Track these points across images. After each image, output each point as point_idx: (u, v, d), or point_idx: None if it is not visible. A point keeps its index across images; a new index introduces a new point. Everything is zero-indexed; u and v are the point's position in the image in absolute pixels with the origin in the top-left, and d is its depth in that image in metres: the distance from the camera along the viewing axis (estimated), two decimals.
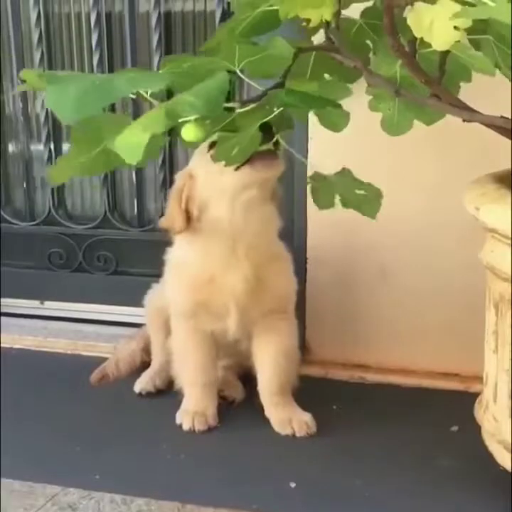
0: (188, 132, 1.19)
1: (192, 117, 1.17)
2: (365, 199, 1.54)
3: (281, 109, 1.34)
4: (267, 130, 1.47)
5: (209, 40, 1.43)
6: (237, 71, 1.26)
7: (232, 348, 1.98)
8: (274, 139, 1.57)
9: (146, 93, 1.20)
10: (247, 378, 2.02)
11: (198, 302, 1.85)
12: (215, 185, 1.74)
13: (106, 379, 2.14)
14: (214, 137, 1.64)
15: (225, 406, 1.96)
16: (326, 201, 1.56)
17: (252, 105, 1.30)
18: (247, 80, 1.28)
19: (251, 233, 1.77)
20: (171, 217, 1.80)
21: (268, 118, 1.35)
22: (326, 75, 1.49)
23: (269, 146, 1.59)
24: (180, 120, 1.17)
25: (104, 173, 1.35)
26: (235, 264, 1.79)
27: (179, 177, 1.83)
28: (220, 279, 1.81)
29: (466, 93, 1.41)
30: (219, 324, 1.88)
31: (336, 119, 1.47)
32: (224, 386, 2.00)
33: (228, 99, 1.21)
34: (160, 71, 1.32)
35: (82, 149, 1.30)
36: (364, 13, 1.45)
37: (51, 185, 1.30)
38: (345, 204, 1.53)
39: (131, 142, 1.13)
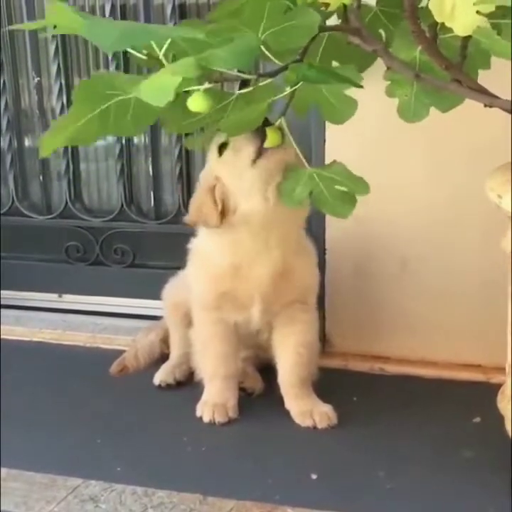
0: (195, 102, 1.17)
1: (200, 87, 1.15)
2: (341, 197, 1.48)
3: (294, 88, 1.33)
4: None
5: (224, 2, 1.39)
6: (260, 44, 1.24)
7: (252, 339, 1.97)
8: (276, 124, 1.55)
9: (160, 51, 1.18)
10: (266, 370, 2.01)
11: (223, 292, 1.85)
12: (240, 182, 1.74)
13: (125, 370, 2.14)
14: (223, 138, 1.68)
15: (244, 397, 1.96)
16: (294, 198, 1.53)
17: (267, 80, 1.28)
18: (266, 52, 1.25)
19: (283, 222, 1.77)
20: (204, 214, 1.78)
21: (280, 95, 1.33)
22: (334, 63, 1.47)
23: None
24: (187, 89, 1.16)
25: (96, 141, 1.31)
26: (265, 255, 1.79)
27: (206, 177, 1.81)
28: (247, 269, 1.80)
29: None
30: (242, 315, 1.88)
31: (341, 108, 1.45)
32: (243, 378, 2.00)
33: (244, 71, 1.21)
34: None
35: (83, 110, 1.27)
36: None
37: (43, 156, 1.28)
38: (316, 203, 1.50)
39: (160, 84, 1.10)
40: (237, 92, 1.34)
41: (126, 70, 2.33)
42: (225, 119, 1.37)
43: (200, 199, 1.80)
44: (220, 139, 1.72)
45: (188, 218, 1.84)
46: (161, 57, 1.18)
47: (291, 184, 1.53)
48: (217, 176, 1.78)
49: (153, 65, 1.25)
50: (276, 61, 1.27)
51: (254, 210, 1.74)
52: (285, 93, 1.32)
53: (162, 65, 1.19)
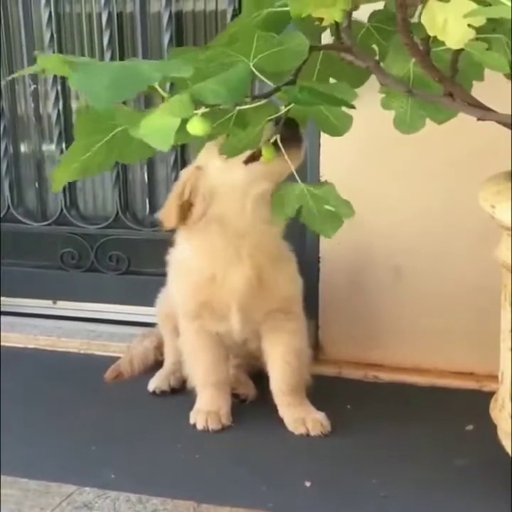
0: (194, 126, 1.17)
1: (198, 111, 1.16)
2: (329, 216, 1.48)
3: (289, 108, 1.34)
4: (291, 126, 1.49)
5: (219, 35, 1.39)
6: (251, 66, 1.25)
7: (241, 348, 1.98)
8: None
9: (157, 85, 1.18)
10: (259, 377, 2.01)
11: (201, 302, 1.85)
12: (225, 179, 1.72)
13: (120, 377, 2.15)
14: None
15: (238, 404, 1.97)
16: (285, 212, 1.52)
17: (262, 101, 1.29)
18: (259, 75, 1.26)
19: (257, 231, 1.76)
20: (166, 212, 1.78)
21: (275, 116, 1.34)
22: (331, 79, 1.48)
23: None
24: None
25: (104, 171, 1.34)
26: (237, 264, 1.78)
27: (185, 171, 1.81)
28: (222, 278, 1.80)
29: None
30: (223, 325, 1.87)
31: (338, 122, 1.45)
32: (236, 384, 2.00)
33: None
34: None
35: (85, 144, 1.28)
36: (372, 16, 1.43)
37: (55, 191, 1.30)
38: (305, 219, 1.49)
39: (161, 126, 1.10)
40: (235, 109, 1.34)
41: None
42: (225, 142, 1.39)
43: (170, 195, 1.80)
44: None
45: (158, 214, 1.84)
46: (156, 86, 1.18)
47: (282, 198, 1.52)
48: (200, 165, 1.75)
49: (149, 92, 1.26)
50: (270, 83, 1.28)
51: (227, 214, 1.73)
52: (281, 112, 1.34)
53: (159, 93, 1.20)
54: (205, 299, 1.84)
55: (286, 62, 1.27)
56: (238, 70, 1.18)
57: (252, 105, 1.26)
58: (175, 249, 1.91)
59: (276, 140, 1.47)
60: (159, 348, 2.21)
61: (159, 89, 1.16)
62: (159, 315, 2.17)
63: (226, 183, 1.72)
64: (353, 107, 1.33)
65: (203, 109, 1.16)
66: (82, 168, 1.31)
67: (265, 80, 1.27)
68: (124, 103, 2.16)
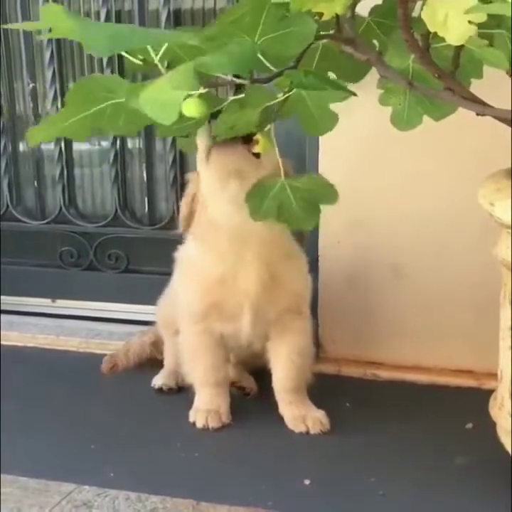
0: (189, 107, 1.16)
1: (195, 92, 1.15)
2: (307, 208, 1.44)
3: (288, 95, 1.34)
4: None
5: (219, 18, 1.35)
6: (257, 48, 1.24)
7: (244, 350, 1.96)
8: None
9: (156, 57, 1.17)
10: (260, 375, 2.01)
11: (211, 304, 1.83)
12: (204, 180, 1.75)
13: (115, 368, 2.15)
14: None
15: (237, 401, 1.95)
16: (262, 212, 1.47)
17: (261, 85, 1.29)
18: (261, 57, 1.25)
19: (262, 231, 1.73)
20: (180, 218, 1.83)
21: (273, 101, 1.34)
22: (330, 73, 1.47)
23: None
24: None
25: (86, 138, 1.32)
26: (246, 263, 1.77)
27: (190, 177, 1.84)
28: (233, 279, 1.79)
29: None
30: (231, 325, 1.86)
31: (322, 121, 1.44)
32: (239, 378, 2.01)
33: (239, 76, 1.21)
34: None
35: (73, 111, 1.27)
36: (373, 10, 1.43)
37: (31, 146, 1.27)
38: (281, 216, 1.45)
39: (165, 100, 1.08)
40: (231, 97, 1.33)
41: (121, 76, 2.33)
42: (219, 121, 1.37)
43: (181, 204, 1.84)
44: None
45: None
46: (157, 62, 1.17)
47: (258, 198, 1.47)
48: (198, 171, 1.78)
49: (147, 69, 1.25)
50: (271, 67, 1.27)
51: (218, 217, 1.73)
52: (278, 99, 1.33)
53: (158, 70, 1.18)
54: (214, 300, 1.82)
55: (291, 46, 1.25)
56: (242, 45, 1.17)
57: (251, 91, 1.25)
58: (183, 247, 1.90)
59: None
60: (155, 344, 2.20)
61: (159, 65, 1.15)
62: (159, 319, 2.15)
63: (205, 186, 1.74)
64: (354, 94, 1.33)
65: (201, 90, 1.16)
66: (59, 131, 1.29)
67: (267, 64, 1.26)
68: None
